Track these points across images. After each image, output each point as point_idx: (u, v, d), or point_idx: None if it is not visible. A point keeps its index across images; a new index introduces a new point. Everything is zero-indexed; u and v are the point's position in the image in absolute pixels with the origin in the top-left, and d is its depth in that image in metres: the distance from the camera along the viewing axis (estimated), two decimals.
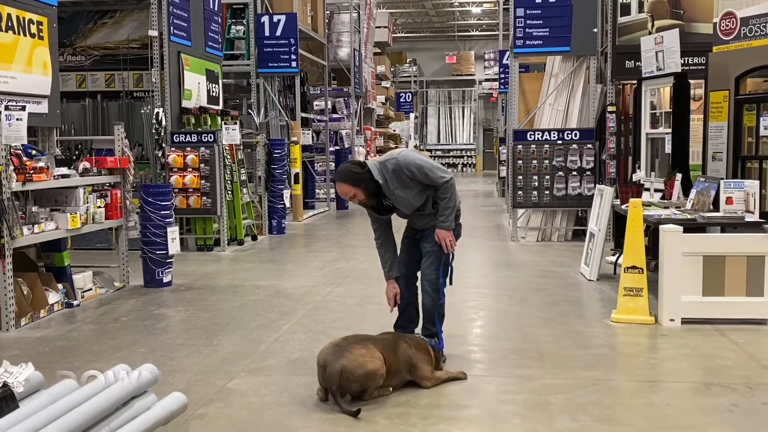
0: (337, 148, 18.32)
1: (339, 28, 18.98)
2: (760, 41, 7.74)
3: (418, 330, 5.25)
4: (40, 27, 7.05)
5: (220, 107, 11.77)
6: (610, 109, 10.80)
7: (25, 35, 6.84)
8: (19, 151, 6.34)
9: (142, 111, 11.10)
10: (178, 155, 10.26)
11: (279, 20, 13.71)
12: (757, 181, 6.91)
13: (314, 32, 15.99)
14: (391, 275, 5.19)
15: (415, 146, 29.39)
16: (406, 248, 5.33)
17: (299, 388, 4.73)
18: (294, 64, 13.83)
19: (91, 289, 7.50)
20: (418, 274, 5.28)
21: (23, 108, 6.53)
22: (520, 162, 11.11)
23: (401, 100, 32.36)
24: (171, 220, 8.25)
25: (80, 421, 3.26)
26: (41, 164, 6.51)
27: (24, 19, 6.82)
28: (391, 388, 4.55)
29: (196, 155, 10.28)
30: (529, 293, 7.60)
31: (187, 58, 10.55)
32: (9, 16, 6.65)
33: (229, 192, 10.78)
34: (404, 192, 4.89)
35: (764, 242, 6.08)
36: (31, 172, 6.34)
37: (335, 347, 4.47)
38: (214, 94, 11.51)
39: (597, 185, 9.68)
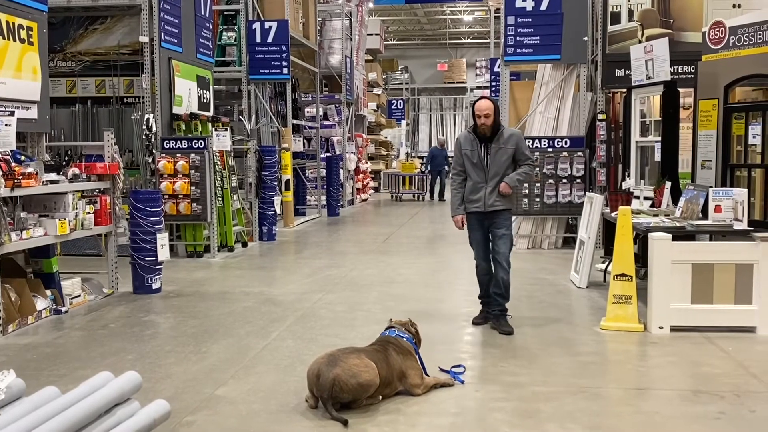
0: (328, 154, 18.33)
1: (331, 35, 19.01)
2: (749, 50, 7.79)
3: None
4: (30, 32, 7.03)
5: (211, 113, 11.75)
6: (600, 117, 10.84)
7: (14, 40, 6.81)
8: (8, 157, 6.32)
9: (133, 117, 11.08)
10: (168, 161, 10.24)
11: (270, 27, 13.71)
12: (746, 190, 6.95)
13: (306, 39, 15.99)
14: (458, 212, 6.56)
15: (407, 153, 29.39)
16: (481, 243, 6.58)
17: (288, 395, 4.71)
18: (285, 70, 13.83)
19: (79, 296, 7.46)
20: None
21: (12, 113, 6.51)
22: None
23: (393, 107, 32.39)
24: (161, 226, 8.23)
25: (62, 428, 3.23)
26: (30, 170, 6.48)
27: (14, 24, 6.79)
28: (380, 397, 4.54)
29: (186, 161, 10.26)
30: (519, 300, 7.60)
31: (178, 64, 10.54)
32: None
33: (220, 198, 10.76)
34: (505, 152, 6.35)
35: (752, 250, 6.10)
36: (20, 177, 6.32)
37: (329, 357, 4.46)
38: (204, 101, 11.50)
39: (587, 193, 9.71)
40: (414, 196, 22.55)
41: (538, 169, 11.03)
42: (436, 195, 22.09)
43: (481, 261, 6.62)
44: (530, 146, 11.08)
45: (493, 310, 6.51)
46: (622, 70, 10.60)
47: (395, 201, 22.10)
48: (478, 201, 6.42)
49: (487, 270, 6.61)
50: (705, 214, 6.97)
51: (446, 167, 22.62)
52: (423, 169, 23.32)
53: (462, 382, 4.95)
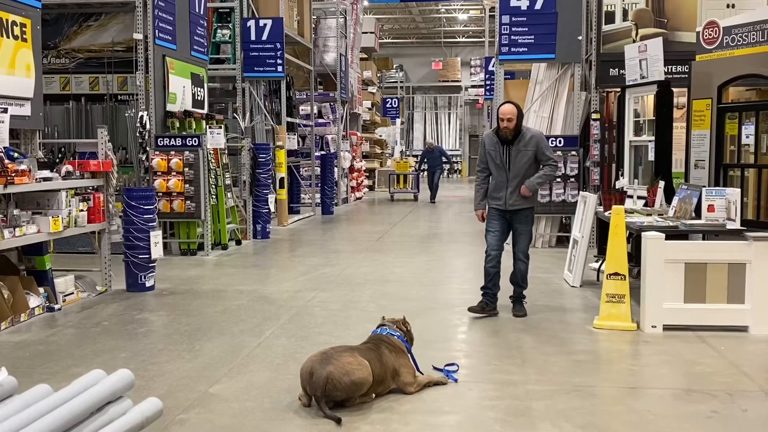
0: (322, 152, 18.31)
1: (325, 33, 19.01)
2: (743, 50, 7.81)
3: (500, 295, 7.00)
4: (24, 29, 7.00)
5: (205, 111, 11.73)
6: (594, 116, 10.86)
7: (8, 37, 6.79)
8: (1, 154, 6.30)
9: (126, 114, 11.05)
10: (162, 159, 10.21)
11: (265, 24, 13.70)
12: (739, 189, 6.98)
13: (300, 37, 15.99)
14: (480, 206, 6.99)
15: (401, 152, 29.37)
16: (497, 234, 6.85)
17: (281, 393, 4.71)
18: (280, 68, 13.82)
19: (72, 293, 7.45)
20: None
21: (5, 110, 6.49)
22: None
23: (387, 105, 32.45)
24: (154, 224, 8.21)
25: (53, 426, 3.22)
26: (23, 167, 6.46)
27: (7, 20, 6.77)
28: (373, 395, 4.55)
29: (180, 159, 10.24)
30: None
31: (172, 61, 10.51)
32: None
33: (214, 196, 10.74)
34: (525, 155, 6.62)
35: (745, 250, 6.12)
36: (13, 174, 6.30)
37: (322, 355, 4.46)
38: (199, 98, 11.48)
39: (581, 192, 9.73)
40: (413, 197, 22.09)
41: None
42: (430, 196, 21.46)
43: (492, 251, 6.84)
44: None
45: (513, 294, 7.03)
46: (617, 69, 10.63)
47: (391, 201, 21.79)
48: (500, 199, 6.78)
49: (496, 263, 6.85)
50: (698, 213, 7.00)
51: (442, 166, 22.42)
52: (417, 168, 23.14)
53: (455, 380, 4.95)
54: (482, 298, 6.88)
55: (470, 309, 6.84)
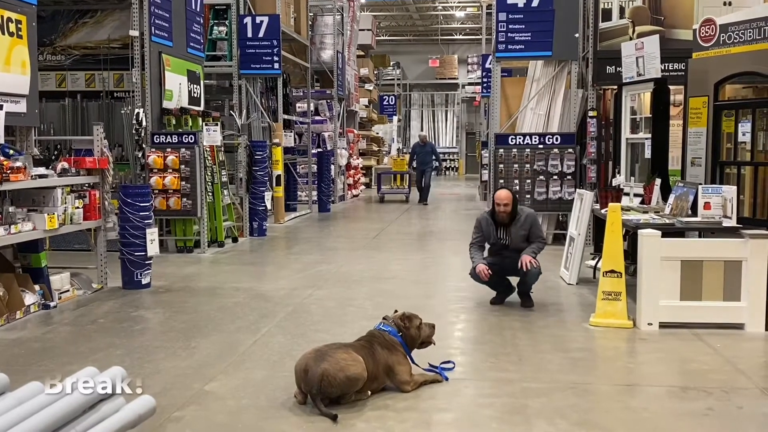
0: (319, 150, 18.29)
1: (322, 30, 18.97)
2: (739, 48, 7.80)
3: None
4: (19, 25, 6.97)
5: (202, 108, 11.71)
6: (590, 113, 10.86)
7: (3, 34, 6.76)
8: None
9: (122, 111, 11.04)
10: (158, 156, 10.19)
11: (261, 21, 13.66)
12: (735, 187, 6.98)
13: (297, 34, 15.96)
14: (481, 262, 7.02)
15: (398, 149, 29.31)
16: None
17: (277, 391, 4.70)
18: (276, 65, 13.79)
19: (68, 291, 7.43)
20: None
21: (1, 107, 6.46)
22: (501, 166, 11.15)
23: (384, 102, 32.39)
24: (150, 221, 8.19)
25: (45, 423, 3.21)
26: (19, 164, 6.44)
27: (2, 17, 6.74)
28: (369, 392, 4.54)
29: (176, 156, 10.22)
30: (510, 297, 7.60)
31: (168, 58, 10.49)
32: None
33: (210, 193, 10.73)
34: (522, 232, 7.05)
35: (741, 247, 6.13)
36: (8, 171, 6.27)
37: (317, 352, 4.46)
38: (195, 95, 11.45)
39: (577, 189, 9.73)
40: (405, 198, 20.66)
41: (528, 165, 11.07)
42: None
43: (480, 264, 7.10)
44: (521, 143, 11.14)
45: (520, 289, 7.25)
46: (613, 67, 10.62)
47: (382, 202, 20.49)
48: (499, 263, 7.14)
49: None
50: (694, 211, 7.00)
51: (432, 164, 20.55)
52: (408, 164, 21.82)
53: (446, 378, 4.94)
54: (498, 294, 7.31)
55: (492, 302, 7.23)
